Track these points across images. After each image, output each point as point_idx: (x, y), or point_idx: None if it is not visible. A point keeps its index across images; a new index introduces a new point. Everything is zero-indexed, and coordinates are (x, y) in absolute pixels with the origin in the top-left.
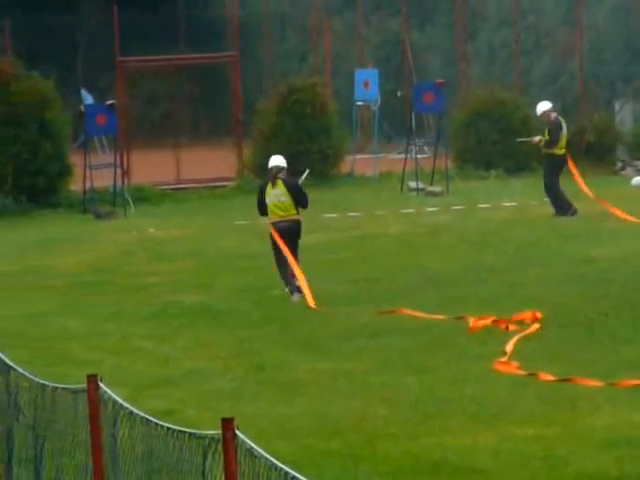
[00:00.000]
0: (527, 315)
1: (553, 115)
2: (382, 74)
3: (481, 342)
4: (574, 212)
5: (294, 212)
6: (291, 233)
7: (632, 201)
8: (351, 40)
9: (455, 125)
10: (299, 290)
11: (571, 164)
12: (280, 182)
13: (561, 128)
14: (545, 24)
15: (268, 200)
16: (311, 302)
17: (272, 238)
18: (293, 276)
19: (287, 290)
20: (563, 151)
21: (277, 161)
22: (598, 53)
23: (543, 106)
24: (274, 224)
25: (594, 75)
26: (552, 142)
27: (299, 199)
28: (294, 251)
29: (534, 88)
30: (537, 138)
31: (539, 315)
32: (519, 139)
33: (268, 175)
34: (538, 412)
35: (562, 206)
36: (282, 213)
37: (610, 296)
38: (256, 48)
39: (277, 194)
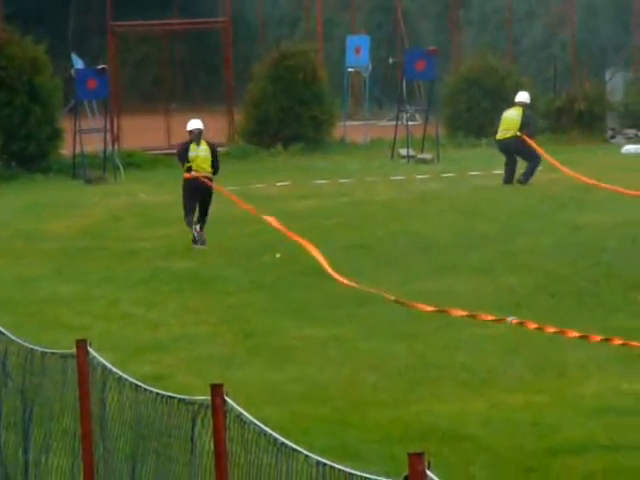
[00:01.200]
0: None
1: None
2: (373, 40)
3: (470, 309)
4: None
5: (210, 169)
6: (206, 187)
7: (622, 169)
8: (343, 6)
9: (446, 92)
10: (200, 239)
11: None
12: (204, 141)
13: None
14: None
15: (192, 154)
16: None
17: (187, 187)
18: (199, 223)
19: (194, 234)
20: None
21: (198, 124)
22: (590, 22)
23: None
24: (194, 177)
25: (585, 44)
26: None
27: (216, 160)
28: (208, 204)
29: (525, 56)
30: None
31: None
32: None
33: (191, 136)
34: (528, 379)
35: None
36: (204, 166)
37: (600, 264)
38: (248, 14)
39: (201, 149)
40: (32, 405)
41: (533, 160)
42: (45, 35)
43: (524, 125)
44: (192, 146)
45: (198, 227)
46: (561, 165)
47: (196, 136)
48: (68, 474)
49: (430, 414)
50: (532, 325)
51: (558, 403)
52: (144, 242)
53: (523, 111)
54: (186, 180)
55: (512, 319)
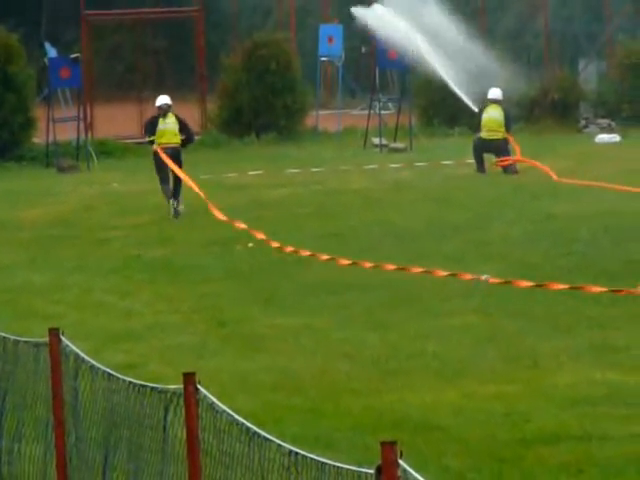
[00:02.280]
0: None
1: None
2: (346, 29)
3: (443, 298)
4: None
5: (178, 140)
6: (175, 157)
7: (596, 158)
8: None
9: (420, 81)
10: (177, 212)
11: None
12: (171, 114)
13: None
14: None
15: (162, 127)
16: (219, 215)
17: (158, 159)
18: (173, 197)
19: (171, 209)
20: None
21: (166, 99)
22: (562, 11)
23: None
24: (163, 148)
25: (559, 33)
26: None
27: (186, 129)
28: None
29: (498, 44)
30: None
31: None
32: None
33: (159, 111)
34: (500, 369)
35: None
36: (173, 139)
37: (573, 254)
38: (221, 3)
39: (169, 123)
40: (4, 393)
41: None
42: (18, 24)
43: (506, 124)
44: (160, 120)
45: (175, 202)
46: (531, 160)
47: (164, 111)
48: (41, 462)
49: (403, 403)
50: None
51: (531, 393)
52: (116, 231)
53: (502, 109)
54: (155, 153)
55: (487, 277)
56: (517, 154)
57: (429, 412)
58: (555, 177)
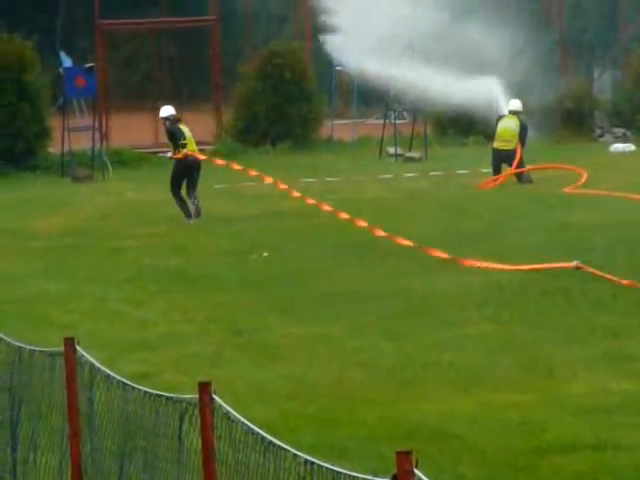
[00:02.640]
0: None
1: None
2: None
3: (459, 308)
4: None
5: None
6: (199, 165)
7: (611, 168)
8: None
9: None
10: (199, 210)
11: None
12: (183, 123)
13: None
14: None
15: (188, 134)
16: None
17: (184, 165)
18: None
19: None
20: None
21: (172, 110)
22: (577, 20)
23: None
24: (190, 156)
25: (574, 42)
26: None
27: None
28: (197, 181)
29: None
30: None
31: None
32: None
33: (169, 122)
34: (515, 378)
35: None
36: (195, 147)
37: (587, 263)
38: (237, 12)
39: (188, 130)
40: (20, 403)
41: (519, 174)
42: (33, 33)
43: (520, 135)
44: (182, 127)
45: (196, 201)
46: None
47: (173, 121)
48: (56, 472)
49: (418, 412)
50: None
51: (546, 402)
52: (131, 240)
53: (519, 120)
54: (183, 159)
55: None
56: (514, 165)
57: (444, 421)
58: (584, 175)
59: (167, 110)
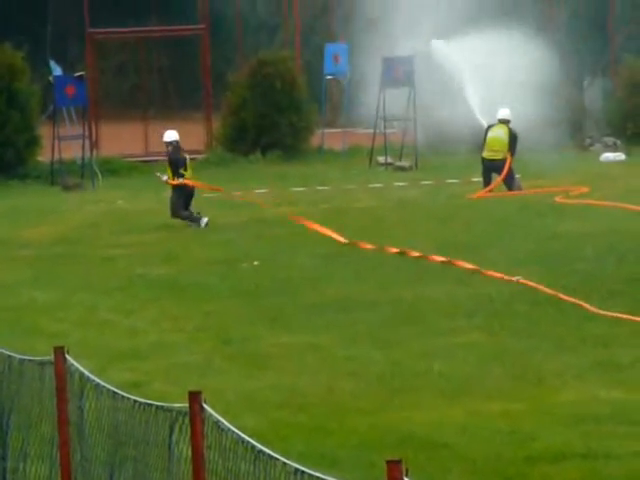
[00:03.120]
0: None
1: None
2: (352, 48)
3: (448, 316)
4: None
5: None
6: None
7: (601, 177)
8: (321, 13)
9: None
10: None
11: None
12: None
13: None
14: None
15: (187, 161)
16: None
17: (186, 192)
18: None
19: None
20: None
21: (176, 135)
22: (568, 29)
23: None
24: (189, 185)
25: (565, 50)
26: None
27: None
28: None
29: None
30: None
31: None
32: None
33: (170, 147)
34: (505, 387)
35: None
36: (191, 172)
37: (577, 272)
38: (226, 21)
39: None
40: (9, 412)
41: (509, 182)
42: (23, 41)
43: (510, 145)
44: (183, 153)
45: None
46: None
47: (176, 147)
48: None
49: (408, 421)
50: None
51: (536, 411)
52: (121, 249)
53: (509, 130)
54: (184, 186)
55: (518, 278)
56: (503, 174)
57: (434, 430)
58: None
59: (172, 135)
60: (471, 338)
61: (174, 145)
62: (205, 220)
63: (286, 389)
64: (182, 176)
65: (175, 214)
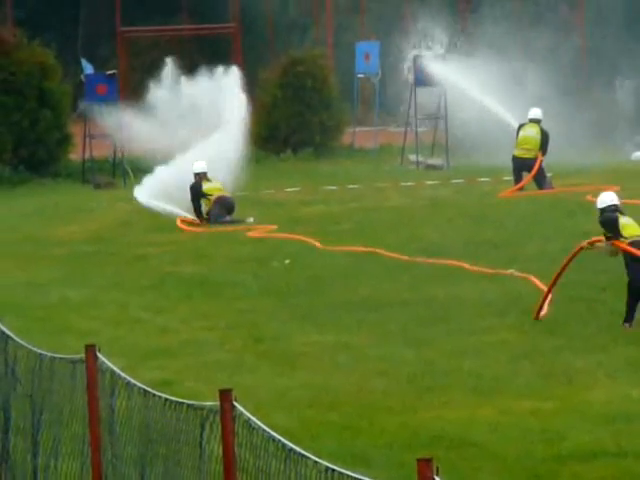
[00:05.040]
0: None
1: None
2: (383, 46)
3: (479, 315)
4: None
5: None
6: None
7: (632, 176)
8: (353, 12)
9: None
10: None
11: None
12: (207, 178)
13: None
14: None
15: (206, 186)
16: None
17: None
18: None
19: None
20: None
21: (205, 167)
22: (599, 29)
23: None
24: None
25: (595, 51)
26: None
27: None
28: None
29: (535, 62)
30: None
31: None
32: None
33: (197, 177)
34: (536, 386)
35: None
36: (222, 189)
37: (608, 271)
38: (258, 19)
39: (212, 183)
40: (41, 410)
41: (540, 181)
42: (55, 40)
43: (541, 144)
44: (203, 183)
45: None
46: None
47: (205, 176)
48: (77, 479)
49: (438, 420)
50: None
51: (566, 410)
52: (153, 247)
53: (540, 129)
54: (222, 199)
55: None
56: (533, 172)
57: (465, 429)
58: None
59: (202, 167)
60: (502, 337)
61: (200, 176)
62: (251, 219)
63: (317, 388)
64: (200, 208)
65: (216, 222)
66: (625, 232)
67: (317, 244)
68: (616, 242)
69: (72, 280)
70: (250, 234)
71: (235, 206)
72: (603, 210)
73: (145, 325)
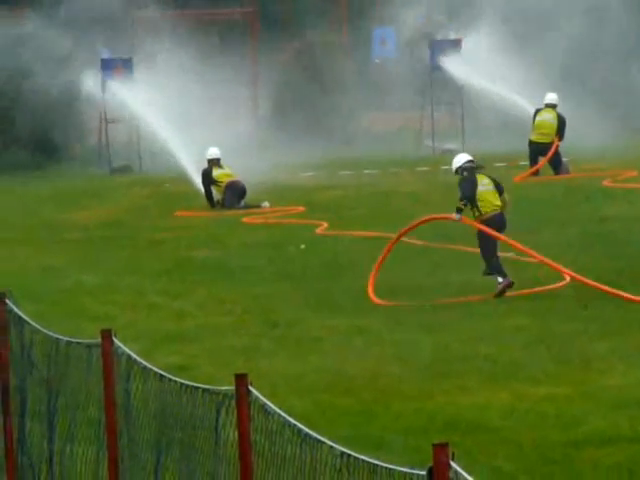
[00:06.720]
0: None
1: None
2: (400, 32)
3: (495, 300)
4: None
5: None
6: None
7: None
8: None
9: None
10: None
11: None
12: (220, 165)
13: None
14: None
15: (218, 172)
16: None
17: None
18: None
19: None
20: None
21: (218, 152)
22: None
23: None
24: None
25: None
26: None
27: None
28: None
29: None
30: None
31: None
32: None
33: (210, 163)
34: (551, 371)
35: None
36: (233, 175)
37: (624, 256)
38: (274, 4)
39: (224, 169)
40: (57, 395)
41: (556, 165)
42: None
43: (558, 129)
44: (214, 169)
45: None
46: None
47: (217, 162)
48: (93, 463)
49: (454, 405)
50: None
51: (582, 395)
52: (168, 232)
53: (557, 114)
54: (235, 184)
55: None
56: (548, 156)
57: (480, 414)
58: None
59: (215, 153)
60: (517, 322)
61: (214, 161)
62: (266, 203)
63: (332, 372)
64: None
65: (231, 207)
66: (481, 202)
67: (318, 230)
68: (466, 219)
69: (88, 265)
70: (245, 220)
71: (246, 190)
72: (461, 170)
73: (161, 310)
